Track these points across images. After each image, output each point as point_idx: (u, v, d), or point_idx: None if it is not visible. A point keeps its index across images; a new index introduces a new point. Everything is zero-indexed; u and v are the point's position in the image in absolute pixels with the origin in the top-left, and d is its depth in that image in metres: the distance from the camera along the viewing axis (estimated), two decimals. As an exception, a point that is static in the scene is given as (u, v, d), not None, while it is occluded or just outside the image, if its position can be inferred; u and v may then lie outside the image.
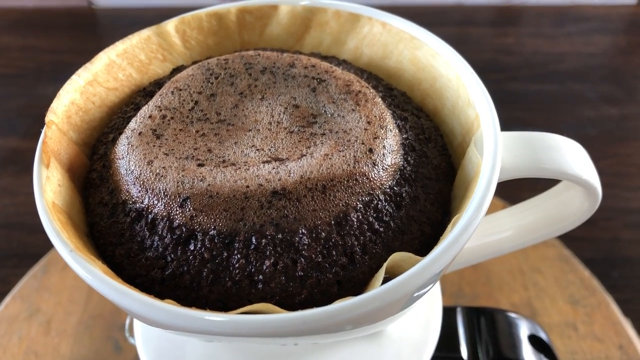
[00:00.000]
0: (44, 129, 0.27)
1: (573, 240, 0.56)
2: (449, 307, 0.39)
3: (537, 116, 0.72)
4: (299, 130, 0.27)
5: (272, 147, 0.26)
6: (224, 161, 0.25)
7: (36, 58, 0.82)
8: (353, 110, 0.27)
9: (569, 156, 0.27)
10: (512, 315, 0.40)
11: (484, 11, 0.89)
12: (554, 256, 0.56)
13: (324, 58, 0.32)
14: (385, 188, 0.25)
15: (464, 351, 0.37)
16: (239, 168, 0.25)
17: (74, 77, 0.29)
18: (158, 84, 0.31)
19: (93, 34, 0.88)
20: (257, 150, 0.26)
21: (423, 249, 0.25)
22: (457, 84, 0.29)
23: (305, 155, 0.25)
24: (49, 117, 0.27)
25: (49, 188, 0.24)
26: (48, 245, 0.55)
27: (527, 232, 0.32)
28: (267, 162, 0.25)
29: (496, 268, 0.56)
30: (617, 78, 0.78)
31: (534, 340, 0.39)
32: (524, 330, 0.39)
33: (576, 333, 0.50)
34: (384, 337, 0.33)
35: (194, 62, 0.32)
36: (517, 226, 0.33)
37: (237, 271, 0.23)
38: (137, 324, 0.36)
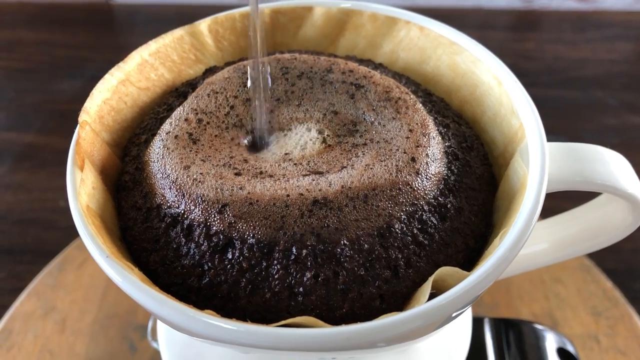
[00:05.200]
0: (77, 129, 0.26)
1: (594, 250, 0.55)
2: (476, 318, 0.38)
3: (558, 123, 0.71)
4: (339, 141, 0.26)
5: (310, 160, 0.25)
6: (261, 172, 0.25)
7: (52, 53, 0.82)
8: (394, 118, 0.26)
9: (614, 169, 0.27)
10: (540, 327, 0.39)
11: (504, 15, 0.88)
12: (575, 266, 0.55)
13: (360, 62, 0.31)
14: (429, 198, 0.24)
15: (491, 364, 0.37)
16: (278, 179, 0.24)
17: (106, 76, 0.28)
18: (191, 84, 0.30)
19: (110, 29, 0.88)
20: (295, 164, 0.25)
21: (466, 263, 0.24)
22: (500, 91, 0.28)
23: (345, 167, 0.25)
24: (82, 117, 0.26)
25: (83, 191, 0.24)
26: (63, 242, 0.55)
27: (564, 246, 0.32)
28: (307, 175, 0.24)
29: (516, 277, 0.54)
30: (639, 86, 0.77)
31: (562, 353, 0.38)
32: (551, 343, 0.39)
33: (599, 345, 0.49)
34: (413, 350, 0.32)
35: (227, 64, 0.32)
36: (554, 239, 0.32)
37: (276, 282, 0.22)
38: (160, 328, 0.36)
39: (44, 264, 0.53)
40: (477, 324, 0.38)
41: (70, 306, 0.50)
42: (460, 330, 0.35)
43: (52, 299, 0.51)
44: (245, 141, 0.27)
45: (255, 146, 0.27)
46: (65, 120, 0.70)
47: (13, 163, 0.65)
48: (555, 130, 0.70)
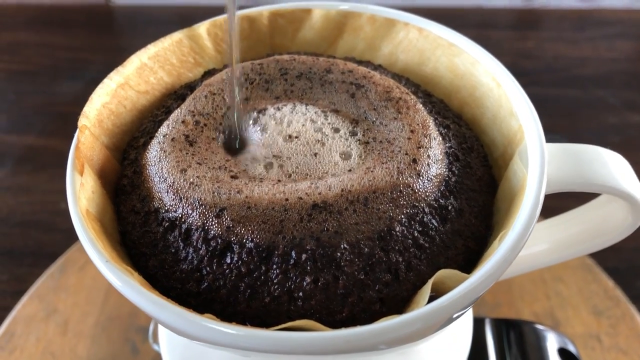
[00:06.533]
0: (77, 133, 0.26)
1: (595, 249, 0.55)
2: (477, 318, 0.38)
3: (558, 122, 0.71)
4: (340, 137, 0.26)
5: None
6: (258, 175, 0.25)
7: (52, 55, 0.82)
8: (395, 118, 0.26)
9: (613, 169, 0.26)
10: (541, 327, 0.39)
11: (504, 14, 0.88)
12: (577, 265, 0.55)
13: (359, 63, 0.31)
14: (430, 200, 0.24)
15: (493, 364, 0.37)
16: (276, 183, 0.24)
17: (105, 80, 0.28)
18: (189, 86, 0.30)
19: (110, 31, 0.88)
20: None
21: (466, 265, 0.24)
22: (499, 93, 0.28)
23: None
24: (82, 121, 0.26)
25: (83, 195, 0.24)
26: (64, 245, 0.55)
27: (564, 246, 0.31)
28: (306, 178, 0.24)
29: (517, 276, 0.55)
30: (639, 84, 0.76)
31: (563, 353, 0.38)
32: (552, 343, 0.39)
33: (600, 345, 0.49)
34: (414, 352, 0.32)
35: (226, 66, 0.32)
36: (554, 240, 0.32)
37: (275, 287, 0.22)
38: (161, 331, 0.36)
39: (45, 267, 0.53)
40: (478, 324, 0.38)
41: (72, 308, 0.50)
42: (461, 331, 0.35)
43: (54, 301, 0.51)
44: (219, 141, 0.26)
45: (230, 148, 0.26)
46: (66, 123, 0.70)
47: (14, 165, 0.66)
48: (556, 130, 0.70)
